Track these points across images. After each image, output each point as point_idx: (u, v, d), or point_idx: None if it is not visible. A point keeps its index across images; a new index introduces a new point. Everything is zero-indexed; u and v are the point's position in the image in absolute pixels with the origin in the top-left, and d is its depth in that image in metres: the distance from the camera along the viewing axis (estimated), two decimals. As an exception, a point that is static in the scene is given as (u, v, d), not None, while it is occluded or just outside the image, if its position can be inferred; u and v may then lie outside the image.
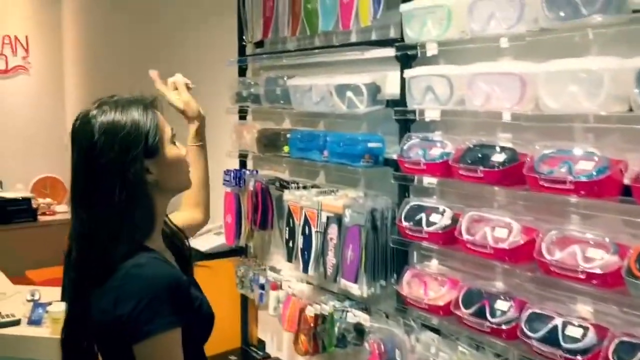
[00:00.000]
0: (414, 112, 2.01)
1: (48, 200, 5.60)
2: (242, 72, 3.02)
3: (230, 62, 2.96)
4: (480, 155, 1.71)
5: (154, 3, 4.22)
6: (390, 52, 2.15)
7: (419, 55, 2.02)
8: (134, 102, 1.36)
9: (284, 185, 2.69)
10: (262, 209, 2.77)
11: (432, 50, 1.95)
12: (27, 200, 5.29)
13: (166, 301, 1.22)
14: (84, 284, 1.30)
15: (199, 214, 1.76)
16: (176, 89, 1.74)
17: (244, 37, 2.93)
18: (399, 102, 2.10)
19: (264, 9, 2.73)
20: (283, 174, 2.87)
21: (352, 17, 2.25)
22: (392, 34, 2.25)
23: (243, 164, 3.05)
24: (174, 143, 1.39)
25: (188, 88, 1.76)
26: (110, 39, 5.10)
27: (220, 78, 3.24)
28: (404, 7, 1.94)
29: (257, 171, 2.91)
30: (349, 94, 2.16)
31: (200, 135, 1.77)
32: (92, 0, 5.49)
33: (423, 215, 1.91)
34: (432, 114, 1.96)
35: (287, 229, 2.54)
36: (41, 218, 5.39)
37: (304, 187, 2.56)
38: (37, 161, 5.82)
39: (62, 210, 5.57)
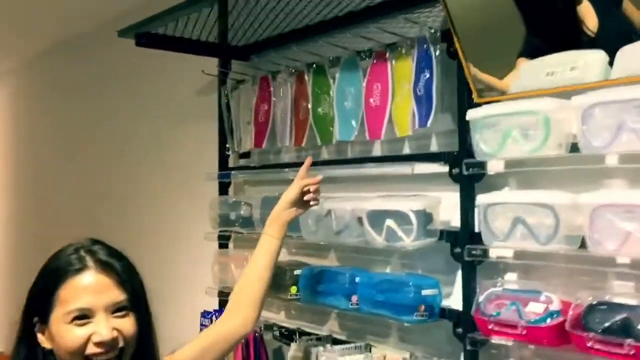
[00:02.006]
0: (484, 249, 1.51)
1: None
2: (222, 189, 2.47)
3: (210, 175, 2.42)
4: (617, 320, 1.20)
5: (108, 102, 3.55)
6: (435, 168, 1.68)
7: (485, 173, 1.55)
8: (73, 253, 1.24)
9: (284, 334, 2.09)
10: (255, 365, 2.14)
11: (497, 168, 1.49)
12: None
13: None
14: None
15: (253, 312, 1.58)
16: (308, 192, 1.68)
17: (227, 146, 2.41)
18: (459, 235, 1.61)
19: (256, 114, 2.24)
20: (277, 316, 2.27)
21: (384, 124, 1.78)
22: (435, 146, 1.79)
23: (223, 304, 2.44)
24: (77, 324, 1.18)
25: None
26: (46, 137, 4.43)
27: (194, 196, 2.68)
28: (474, 113, 1.48)
29: (245, 313, 2.30)
30: (390, 222, 1.65)
31: (281, 229, 1.68)
32: (29, 102, 4.85)
33: (520, 398, 1.36)
34: (502, 252, 1.47)
35: (296, 396, 1.92)
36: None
37: (318, 339, 1.97)
38: None
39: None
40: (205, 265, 2.38)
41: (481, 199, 1.47)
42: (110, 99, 3.43)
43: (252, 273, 1.61)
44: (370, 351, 1.80)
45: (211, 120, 2.52)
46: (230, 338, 1.53)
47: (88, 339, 1.18)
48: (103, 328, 1.18)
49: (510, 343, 1.47)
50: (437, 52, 1.60)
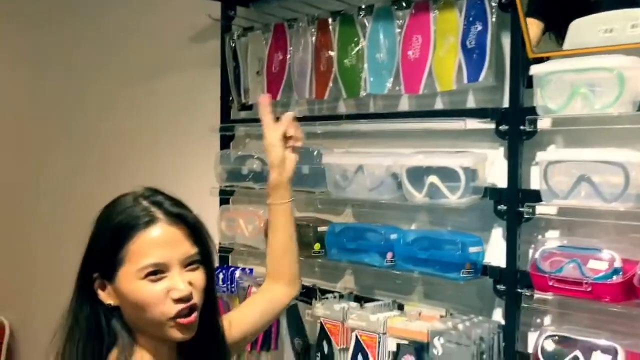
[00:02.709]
0: (532, 207, 1.52)
1: None
2: (224, 142, 2.36)
3: (214, 127, 2.30)
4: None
5: (95, 47, 3.08)
6: (476, 124, 1.65)
7: (538, 131, 1.54)
8: (135, 204, 1.15)
9: (300, 291, 2.03)
10: (264, 323, 2.09)
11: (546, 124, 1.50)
12: None
13: None
14: None
15: (295, 277, 1.50)
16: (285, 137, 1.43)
17: (230, 98, 2.29)
18: (505, 192, 1.59)
19: (269, 64, 2.12)
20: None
21: (423, 78, 1.72)
22: (472, 101, 1.76)
23: (224, 260, 2.36)
24: (152, 280, 1.10)
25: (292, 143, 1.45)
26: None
27: (192, 149, 2.55)
28: (539, 68, 1.45)
29: (251, 270, 2.23)
30: (433, 179, 1.61)
31: (286, 191, 1.46)
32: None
33: (578, 354, 1.37)
34: (547, 209, 1.49)
35: (318, 354, 1.89)
36: None
37: (341, 296, 1.93)
38: None
39: None
40: (207, 221, 2.27)
41: (542, 155, 1.46)
42: (98, 44, 3.05)
43: (278, 243, 1.49)
44: (402, 309, 1.78)
45: (210, 70, 2.37)
46: (281, 303, 1.48)
47: (165, 296, 1.10)
48: (180, 282, 1.11)
49: (550, 297, 1.49)
50: (494, 3, 1.54)
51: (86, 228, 1.21)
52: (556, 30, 1.51)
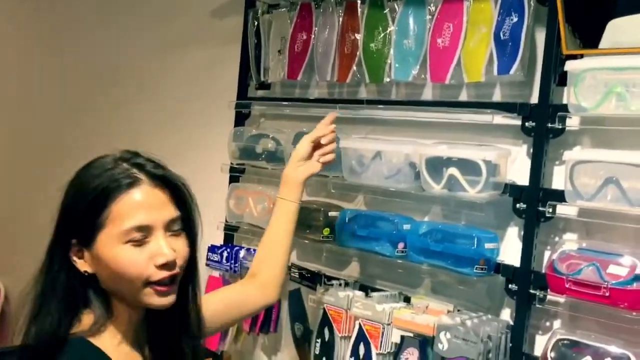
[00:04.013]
0: (553, 206, 1.48)
1: None
2: (239, 120, 2.32)
3: (231, 104, 2.26)
4: None
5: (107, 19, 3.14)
6: (499, 118, 1.62)
7: (566, 129, 1.50)
8: (115, 166, 1.09)
9: (305, 276, 2.01)
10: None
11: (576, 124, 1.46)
12: None
13: None
14: None
15: (277, 282, 1.51)
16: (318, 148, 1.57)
17: (250, 75, 2.25)
18: (526, 190, 1.55)
19: (292, 43, 2.08)
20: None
21: (451, 68, 1.68)
22: (498, 95, 1.72)
23: (229, 239, 2.32)
24: (134, 244, 1.06)
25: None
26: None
27: (207, 125, 2.51)
28: (574, 64, 1.41)
29: (255, 251, 2.19)
30: (453, 171, 1.58)
31: (295, 191, 1.55)
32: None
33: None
34: (568, 210, 1.46)
35: (319, 341, 1.85)
36: None
37: (346, 284, 1.90)
38: None
39: None
40: (215, 198, 2.25)
41: (570, 154, 1.42)
42: (121, 17, 3.02)
43: (272, 241, 1.52)
44: (408, 301, 1.74)
45: (231, 45, 2.34)
46: (252, 305, 1.48)
47: (148, 261, 1.06)
48: (164, 247, 1.06)
49: (562, 300, 1.47)
50: (532, -5, 1.51)
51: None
52: (575, 27, 1.47)
